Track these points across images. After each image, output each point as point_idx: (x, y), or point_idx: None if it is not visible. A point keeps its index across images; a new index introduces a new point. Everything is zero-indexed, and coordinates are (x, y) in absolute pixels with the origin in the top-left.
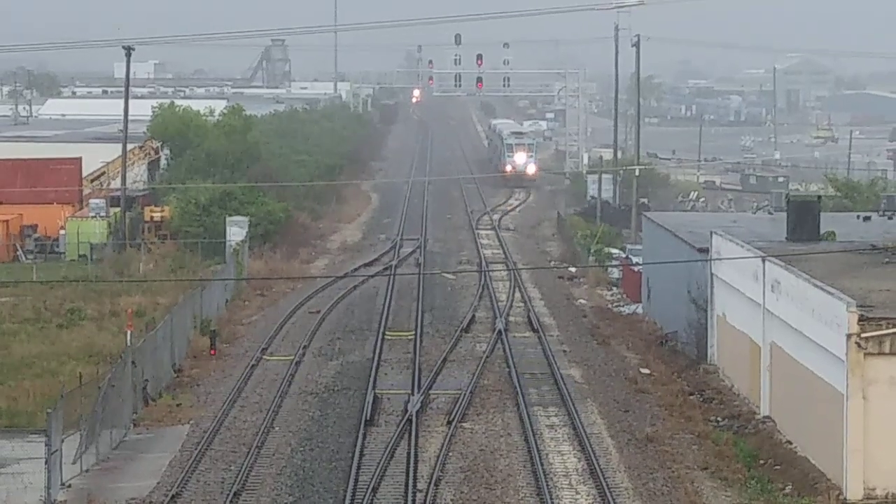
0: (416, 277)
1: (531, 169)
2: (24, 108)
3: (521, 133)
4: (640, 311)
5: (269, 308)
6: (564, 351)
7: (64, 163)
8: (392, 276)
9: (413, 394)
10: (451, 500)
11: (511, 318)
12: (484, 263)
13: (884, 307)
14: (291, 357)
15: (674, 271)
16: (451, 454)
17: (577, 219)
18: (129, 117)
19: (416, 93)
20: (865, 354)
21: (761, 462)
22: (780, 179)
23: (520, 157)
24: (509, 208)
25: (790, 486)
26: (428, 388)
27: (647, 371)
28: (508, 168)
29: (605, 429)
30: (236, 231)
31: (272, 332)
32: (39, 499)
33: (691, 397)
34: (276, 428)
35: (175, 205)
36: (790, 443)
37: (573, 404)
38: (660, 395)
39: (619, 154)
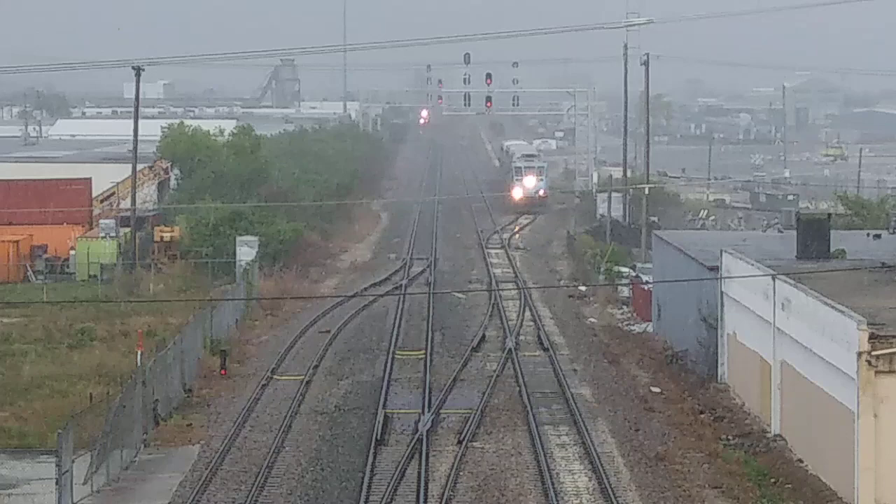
0: (426, 297)
1: (541, 193)
2: (34, 129)
3: (531, 156)
4: (650, 329)
5: (279, 328)
6: (575, 370)
7: (74, 183)
8: (402, 296)
9: (423, 413)
10: None
11: (521, 337)
12: (494, 282)
13: (894, 325)
14: (302, 377)
15: (684, 290)
16: (461, 473)
17: (587, 237)
18: (139, 137)
19: (424, 113)
20: (876, 372)
21: (772, 481)
22: (790, 197)
23: (529, 181)
24: (519, 227)
25: None
26: (438, 408)
27: (657, 390)
28: (518, 192)
29: (615, 447)
30: (246, 251)
31: (282, 351)
32: None
33: (702, 416)
34: (287, 448)
35: (185, 225)
36: (801, 461)
37: (584, 423)
38: (670, 414)
39: (629, 173)
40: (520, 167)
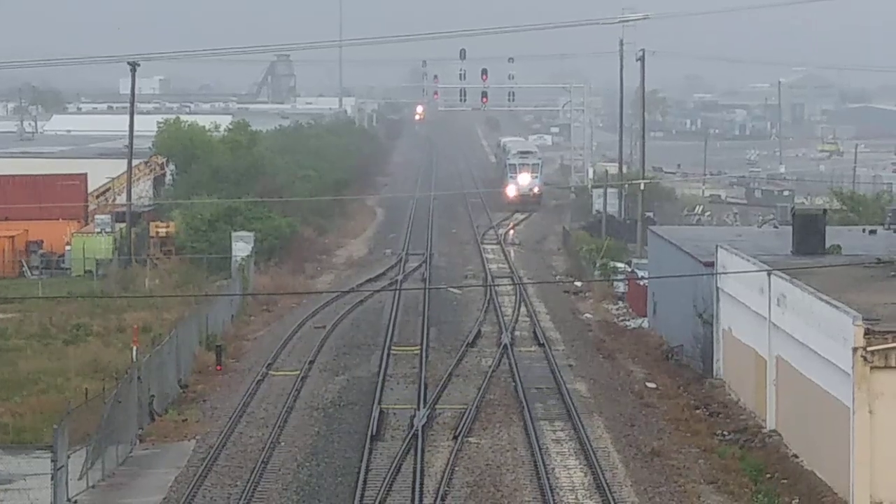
0: (421, 292)
1: (535, 191)
2: (30, 124)
3: (525, 152)
4: (645, 325)
5: (274, 323)
6: (570, 365)
7: (69, 178)
8: (398, 291)
9: (419, 408)
10: None
11: (517, 333)
12: (489, 278)
13: (890, 320)
14: (297, 372)
15: (679, 285)
16: (457, 469)
17: (583, 233)
18: (135, 133)
19: (419, 109)
20: (871, 368)
21: (768, 476)
22: (786, 193)
23: (523, 178)
24: (514, 223)
25: (797, 500)
26: (434, 403)
27: (652, 385)
28: (511, 189)
29: (611, 443)
30: (242, 246)
31: (278, 347)
32: None
33: (697, 411)
34: (282, 443)
35: (180, 220)
36: (797, 456)
37: (579, 418)
38: (666, 409)
39: (625, 168)
40: (514, 164)
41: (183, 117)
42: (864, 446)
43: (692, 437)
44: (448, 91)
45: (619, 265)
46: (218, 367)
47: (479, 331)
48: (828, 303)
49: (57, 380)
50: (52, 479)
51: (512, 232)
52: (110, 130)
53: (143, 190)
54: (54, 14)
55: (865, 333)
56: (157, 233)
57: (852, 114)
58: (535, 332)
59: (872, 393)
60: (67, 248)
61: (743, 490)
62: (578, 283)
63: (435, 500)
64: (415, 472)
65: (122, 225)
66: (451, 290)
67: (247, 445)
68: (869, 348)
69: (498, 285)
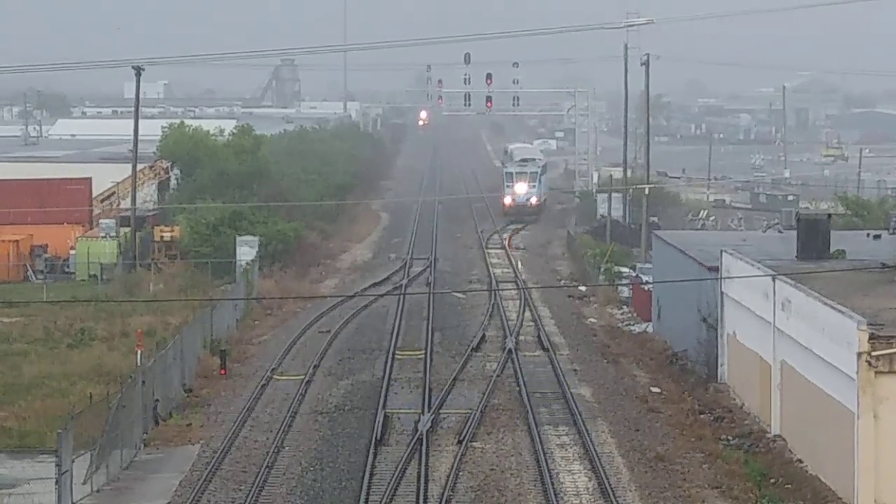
0: (426, 297)
1: (533, 201)
2: (34, 129)
3: (525, 160)
4: (650, 329)
5: (279, 327)
6: (575, 370)
7: (74, 183)
8: (402, 296)
9: (423, 413)
10: None
11: (521, 337)
12: (494, 282)
13: (894, 325)
14: (302, 376)
15: (684, 290)
16: (461, 473)
17: (587, 238)
18: (139, 137)
19: (423, 115)
20: (876, 373)
21: (772, 481)
22: (790, 198)
23: (520, 188)
24: (519, 227)
25: None
26: (438, 408)
27: (657, 390)
28: (507, 200)
29: (615, 448)
30: (246, 251)
31: (282, 351)
32: None
33: (702, 416)
34: (287, 447)
35: (185, 224)
36: (801, 461)
37: (583, 423)
38: (670, 414)
39: (629, 173)
40: (510, 172)
41: (187, 122)
42: (868, 451)
43: (696, 442)
44: (452, 95)
45: (624, 270)
46: (222, 372)
47: (484, 335)
48: (832, 307)
49: (61, 384)
50: (56, 483)
51: (517, 236)
52: (115, 135)
53: (147, 194)
54: (57, 19)
55: (870, 338)
56: (162, 237)
57: (857, 118)
58: (539, 337)
59: (877, 398)
60: (72, 252)
61: (747, 495)
62: (583, 288)
63: None
64: (419, 477)
65: (127, 229)
66: (456, 294)
67: (251, 450)
68: (874, 353)
69: (502, 290)
